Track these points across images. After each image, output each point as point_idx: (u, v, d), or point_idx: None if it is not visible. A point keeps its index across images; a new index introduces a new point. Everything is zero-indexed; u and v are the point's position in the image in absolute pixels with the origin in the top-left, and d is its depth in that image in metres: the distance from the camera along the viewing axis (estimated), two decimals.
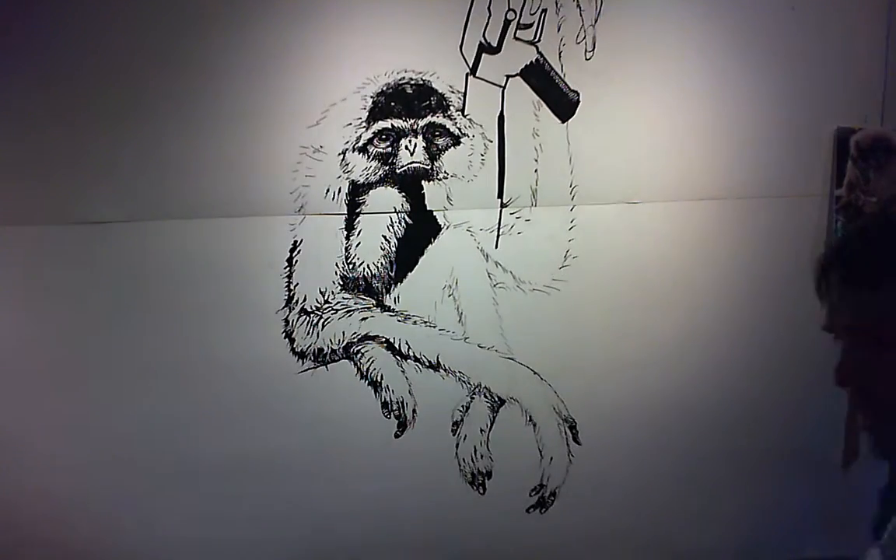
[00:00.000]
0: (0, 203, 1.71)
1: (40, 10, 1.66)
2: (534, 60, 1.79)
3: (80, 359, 1.75)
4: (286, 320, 1.80)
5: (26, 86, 1.68)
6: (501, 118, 1.80)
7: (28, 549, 1.81)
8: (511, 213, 1.84)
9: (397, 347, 1.84)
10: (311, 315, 1.80)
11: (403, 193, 1.80)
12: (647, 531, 1.99)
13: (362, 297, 1.82)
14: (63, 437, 1.78)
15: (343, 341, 1.83)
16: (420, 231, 1.82)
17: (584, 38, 1.80)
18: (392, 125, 1.77)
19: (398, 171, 1.79)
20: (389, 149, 1.78)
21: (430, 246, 1.83)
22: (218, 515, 1.84)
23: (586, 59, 1.81)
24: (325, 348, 1.82)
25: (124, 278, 1.74)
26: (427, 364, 1.86)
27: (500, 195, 1.83)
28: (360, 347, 1.83)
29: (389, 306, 1.84)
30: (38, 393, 1.77)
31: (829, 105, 1.91)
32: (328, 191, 1.78)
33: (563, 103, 1.82)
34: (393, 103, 1.76)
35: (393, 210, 1.81)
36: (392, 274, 1.83)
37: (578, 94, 1.82)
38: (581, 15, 1.79)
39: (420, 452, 1.87)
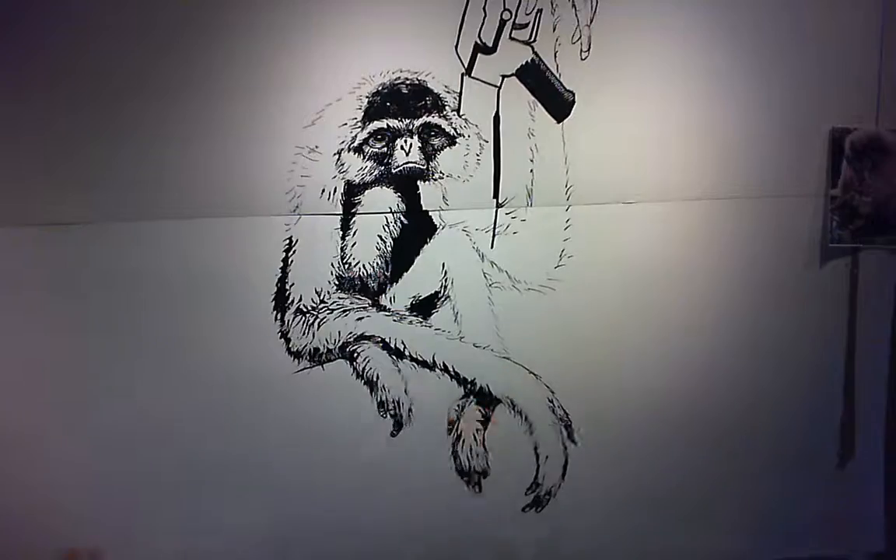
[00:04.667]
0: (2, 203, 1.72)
1: (34, 9, 1.66)
2: (529, 60, 1.79)
3: (74, 361, 1.76)
4: (282, 320, 1.80)
5: (22, 86, 1.68)
6: (497, 118, 1.80)
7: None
8: (507, 213, 1.84)
9: (393, 347, 1.85)
10: (307, 315, 1.81)
11: (399, 193, 1.81)
12: (643, 531, 1.99)
13: (358, 296, 1.83)
14: (59, 440, 1.78)
15: (339, 341, 1.83)
16: (416, 231, 1.82)
17: (580, 37, 1.80)
18: (387, 125, 1.77)
19: (394, 171, 1.79)
20: (385, 149, 1.78)
21: (425, 246, 1.84)
22: (215, 516, 1.85)
23: (582, 59, 1.81)
24: (321, 348, 1.82)
25: (118, 279, 1.74)
26: (423, 363, 1.86)
27: (496, 195, 1.83)
28: (355, 347, 1.84)
29: (385, 306, 1.84)
30: (35, 396, 1.77)
31: (824, 105, 1.90)
32: (324, 191, 1.78)
33: (558, 103, 1.82)
34: (388, 103, 1.77)
35: (388, 210, 1.81)
36: (388, 274, 1.83)
37: (574, 94, 1.82)
38: (577, 15, 1.80)
39: (416, 452, 1.87)
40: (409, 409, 1.87)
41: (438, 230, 1.83)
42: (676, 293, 1.92)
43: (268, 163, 1.75)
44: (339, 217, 1.79)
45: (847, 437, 2.03)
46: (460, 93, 1.79)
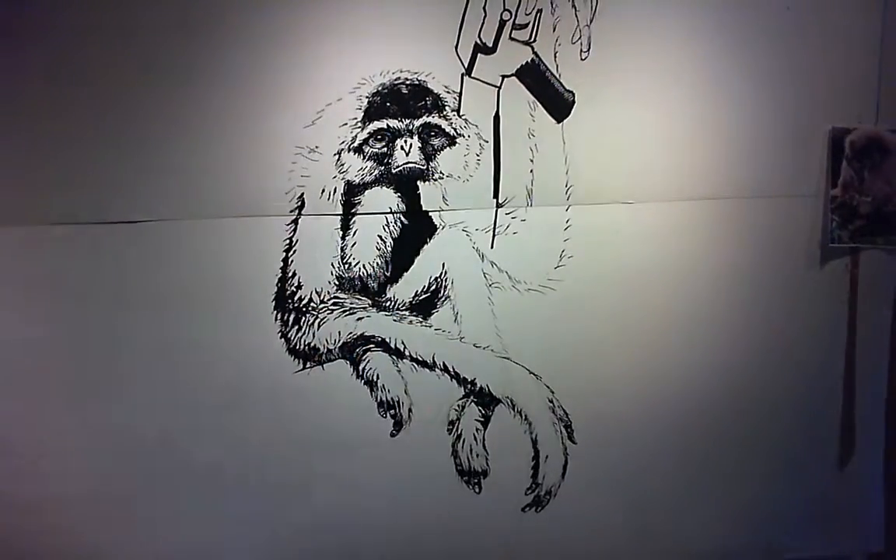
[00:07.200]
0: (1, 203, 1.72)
1: (36, 11, 1.66)
2: (529, 60, 1.79)
3: (72, 361, 1.76)
4: (282, 320, 1.80)
5: (21, 86, 1.68)
6: (497, 118, 1.80)
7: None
8: (507, 214, 1.84)
9: (393, 347, 1.85)
10: (307, 315, 1.81)
11: (399, 194, 1.81)
12: (642, 531, 2.00)
13: (358, 296, 1.83)
14: (55, 441, 1.78)
15: (339, 341, 1.83)
16: (416, 231, 1.82)
17: (580, 38, 1.81)
18: (387, 125, 1.77)
19: (394, 171, 1.79)
20: (385, 149, 1.78)
21: (425, 246, 1.84)
22: (214, 517, 1.85)
23: (582, 60, 1.81)
24: (321, 348, 1.82)
25: (119, 280, 1.74)
26: (423, 363, 1.86)
27: (496, 195, 1.83)
28: (355, 347, 1.84)
29: (385, 306, 1.84)
30: (36, 397, 1.77)
31: (823, 105, 1.90)
32: (324, 191, 1.78)
33: (558, 103, 1.82)
34: (388, 103, 1.77)
35: (388, 210, 1.81)
36: (388, 274, 1.83)
37: (574, 94, 1.82)
38: (576, 15, 1.80)
39: (415, 452, 1.87)
40: (409, 409, 1.88)
41: (438, 230, 1.83)
42: (676, 293, 1.92)
43: (268, 163, 1.75)
44: (339, 217, 1.80)
45: (847, 437, 2.03)
46: (460, 93, 1.79)
